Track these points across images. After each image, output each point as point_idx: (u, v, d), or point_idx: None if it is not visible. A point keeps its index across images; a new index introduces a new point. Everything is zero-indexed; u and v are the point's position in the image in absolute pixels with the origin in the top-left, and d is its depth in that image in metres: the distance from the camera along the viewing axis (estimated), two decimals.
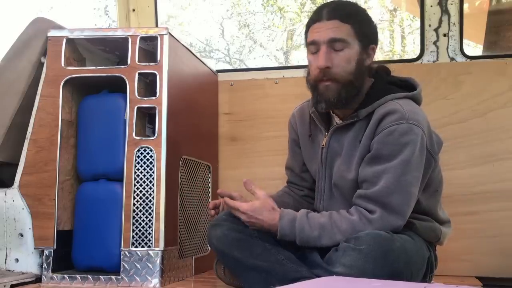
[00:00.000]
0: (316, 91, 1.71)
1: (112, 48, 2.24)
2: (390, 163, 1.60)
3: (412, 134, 1.61)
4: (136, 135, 2.00)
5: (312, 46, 1.70)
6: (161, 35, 2.05)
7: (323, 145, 1.79)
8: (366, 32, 1.73)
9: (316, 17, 1.72)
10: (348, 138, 1.72)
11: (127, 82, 2.03)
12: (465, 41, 2.55)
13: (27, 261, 2.06)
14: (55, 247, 2.02)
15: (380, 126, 1.63)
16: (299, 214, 1.66)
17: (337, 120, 1.79)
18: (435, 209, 1.78)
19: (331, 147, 1.77)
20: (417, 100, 1.74)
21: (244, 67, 9.72)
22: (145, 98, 2.02)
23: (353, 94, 1.69)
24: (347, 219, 1.60)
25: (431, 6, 2.47)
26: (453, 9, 2.46)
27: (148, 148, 1.99)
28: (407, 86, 1.76)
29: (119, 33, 2.11)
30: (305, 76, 1.77)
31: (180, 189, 2.13)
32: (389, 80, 1.77)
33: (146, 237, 1.95)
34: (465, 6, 2.62)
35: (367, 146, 1.66)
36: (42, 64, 2.15)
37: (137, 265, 1.94)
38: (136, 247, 1.94)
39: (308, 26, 1.74)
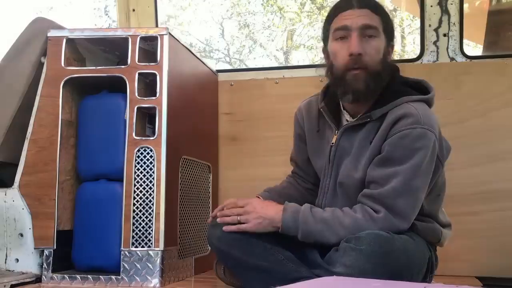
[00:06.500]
0: (343, 81, 1.67)
1: (112, 48, 2.24)
2: (400, 166, 1.59)
3: (425, 140, 1.59)
4: (136, 135, 2.00)
5: (340, 31, 1.67)
6: (161, 35, 2.05)
7: (332, 143, 1.77)
8: (390, 28, 1.73)
9: (345, 5, 1.69)
10: (359, 138, 1.70)
11: (127, 82, 2.03)
12: (465, 41, 2.55)
13: (27, 261, 2.06)
14: (55, 247, 2.02)
15: (393, 128, 1.61)
16: (303, 207, 1.65)
17: (347, 118, 1.76)
18: (436, 212, 1.77)
19: (340, 146, 1.75)
20: (430, 104, 1.71)
21: (244, 67, 9.71)
22: (145, 98, 2.02)
23: (380, 86, 1.67)
24: (350, 216, 1.59)
25: (431, 6, 2.47)
26: (453, 9, 2.46)
27: (148, 148, 1.99)
28: (419, 88, 1.74)
29: (119, 33, 2.11)
30: (326, 68, 1.73)
31: (180, 189, 2.13)
32: (403, 80, 1.76)
33: (146, 237, 1.95)
34: (465, 6, 2.61)
35: (378, 147, 1.64)
36: (42, 64, 2.15)
37: (137, 265, 1.94)
38: (136, 247, 1.94)
39: (335, 14, 1.71)
